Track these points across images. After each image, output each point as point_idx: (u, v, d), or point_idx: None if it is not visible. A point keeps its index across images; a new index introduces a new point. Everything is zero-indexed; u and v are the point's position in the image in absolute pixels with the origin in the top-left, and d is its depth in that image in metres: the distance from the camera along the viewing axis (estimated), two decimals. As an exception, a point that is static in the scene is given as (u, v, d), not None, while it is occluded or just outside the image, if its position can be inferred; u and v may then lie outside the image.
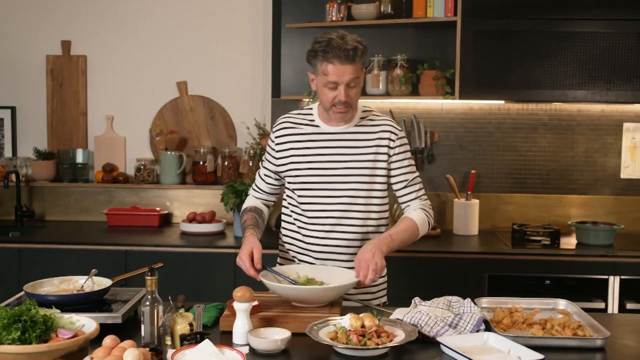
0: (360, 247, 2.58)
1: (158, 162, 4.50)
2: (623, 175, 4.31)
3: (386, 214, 2.71)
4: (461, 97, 3.96)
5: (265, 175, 2.78)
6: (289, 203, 2.75)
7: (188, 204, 4.45)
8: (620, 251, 3.73)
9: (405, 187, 2.66)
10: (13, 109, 4.55)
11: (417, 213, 2.63)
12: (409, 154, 2.68)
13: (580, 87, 3.88)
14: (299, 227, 2.70)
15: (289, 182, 2.70)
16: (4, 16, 4.51)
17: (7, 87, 4.55)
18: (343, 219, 2.62)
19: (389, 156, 2.62)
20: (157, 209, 4.37)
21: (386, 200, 2.68)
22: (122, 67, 4.52)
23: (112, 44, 4.51)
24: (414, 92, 4.16)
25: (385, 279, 2.80)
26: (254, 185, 2.84)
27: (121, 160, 4.54)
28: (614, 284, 3.63)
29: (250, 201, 2.82)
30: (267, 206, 2.84)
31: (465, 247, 3.84)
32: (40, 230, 4.22)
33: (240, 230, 3.99)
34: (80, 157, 4.50)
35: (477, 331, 2.19)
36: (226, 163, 4.37)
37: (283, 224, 2.80)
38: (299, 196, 2.66)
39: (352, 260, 2.59)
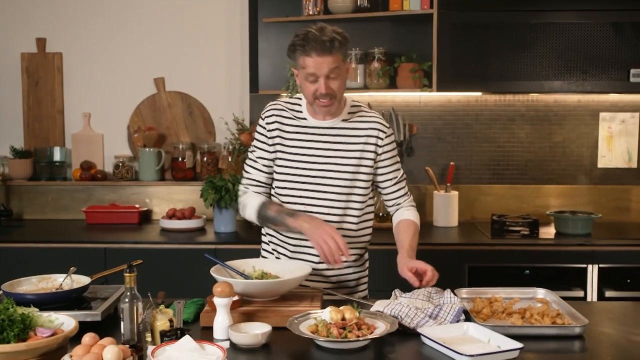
0: None
1: (136, 159, 4.47)
2: (600, 165, 4.35)
3: (368, 211, 2.69)
4: (439, 89, 3.98)
5: (264, 165, 2.66)
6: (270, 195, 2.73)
7: (167, 200, 4.43)
8: (598, 240, 3.76)
9: (395, 184, 2.67)
10: (-12, 108, 4.51)
11: (412, 213, 2.68)
12: (396, 152, 2.68)
13: (556, 77, 3.91)
14: None
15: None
16: (-23, 14, 4.46)
17: (-19, 86, 4.51)
18: (322, 214, 2.59)
19: (377, 154, 2.60)
20: (137, 206, 4.35)
21: (368, 198, 2.66)
22: (98, 64, 4.48)
23: (87, 40, 4.47)
24: (392, 85, 4.17)
25: (367, 273, 2.80)
26: (249, 182, 2.69)
27: (99, 157, 4.51)
28: (592, 272, 3.67)
29: (260, 196, 2.66)
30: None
31: (445, 239, 3.86)
32: (18, 229, 4.18)
33: (228, 225, 3.99)
34: (57, 155, 4.47)
35: (457, 321, 2.20)
36: (205, 159, 4.35)
37: None
38: (280, 188, 2.63)
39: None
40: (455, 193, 4.20)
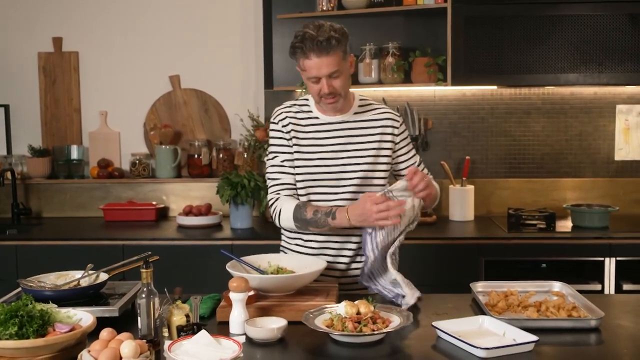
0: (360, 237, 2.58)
1: (153, 156, 4.50)
2: (617, 157, 4.32)
3: None
4: (453, 83, 3.97)
5: (290, 167, 2.61)
6: None
7: (184, 197, 4.46)
8: (615, 233, 3.74)
9: (417, 166, 2.71)
10: (6, 107, 4.54)
11: (435, 183, 2.70)
12: (410, 139, 2.74)
13: (572, 70, 3.89)
14: None
15: None
16: (-6, 14, 4.51)
17: (-1, 86, 4.56)
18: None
19: (395, 144, 2.64)
20: (154, 203, 4.37)
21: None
22: (114, 62, 4.51)
23: (103, 39, 4.50)
24: (407, 80, 4.17)
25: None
26: (279, 188, 2.63)
27: (116, 155, 4.54)
28: (610, 265, 3.65)
29: (293, 200, 2.59)
30: None
31: (461, 233, 3.85)
32: (37, 227, 4.22)
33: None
34: (75, 154, 4.51)
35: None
36: (221, 155, 4.37)
37: None
38: (301, 188, 2.61)
39: (351, 249, 2.63)
40: (471, 187, 4.19)
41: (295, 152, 2.62)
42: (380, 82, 4.17)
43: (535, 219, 3.89)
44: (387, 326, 2.06)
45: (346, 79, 2.53)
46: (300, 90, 4.16)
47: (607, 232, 3.75)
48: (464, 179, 4.20)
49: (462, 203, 4.15)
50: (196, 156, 4.40)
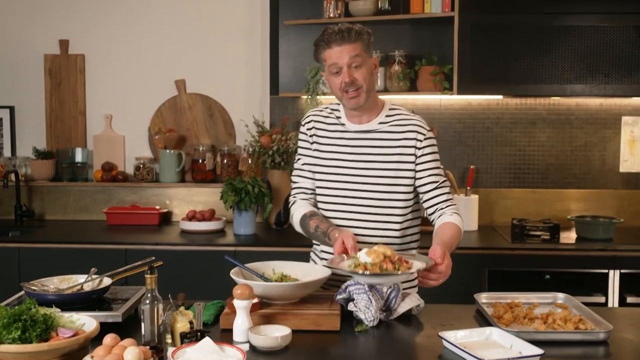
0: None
1: (157, 160, 4.50)
2: (622, 169, 4.31)
3: (411, 217, 2.61)
4: (459, 92, 3.96)
5: (310, 171, 2.64)
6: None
7: (187, 202, 4.45)
8: (620, 245, 3.73)
9: (435, 188, 2.53)
10: (12, 109, 4.54)
11: (455, 217, 2.51)
12: (437, 156, 2.57)
13: (578, 81, 3.89)
14: None
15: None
16: (0, 15, 4.50)
17: (5, 87, 4.55)
18: (361, 221, 2.55)
19: (416, 157, 2.51)
20: (157, 207, 4.37)
21: (410, 204, 2.57)
22: (120, 65, 4.51)
23: (110, 42, 4.50)
24: (412, 88, 4.16)
25: (415, 283, 2.58)
26: (296, 191, 2.69)
27: (120, 159, 4.54)
28: (614, 278, 3.63)
29: (303, 207, 2.63)
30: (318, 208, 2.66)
31: (465, 243, 3.82)
32: (40, 229, 4.22)
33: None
34: (79, 156, 4.50)
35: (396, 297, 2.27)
36: (225, 161, 4.37)
37: None
38: (319, 194, 2.61)
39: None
40: (475, 197, 4.18)
41: (316, 157, 2.61)
42: (386, 90, 4.17)
43: (539, 229, 3.88)
44: (410, 268, 2.18)
45: (369, 74, 2.47)
46: (305, 97, 4.16)
47: (611, 244, 3.74)
48: (468, 188, 4.19)
49: (466, 212, 4.12)
50: (200, 161, 4.39)
